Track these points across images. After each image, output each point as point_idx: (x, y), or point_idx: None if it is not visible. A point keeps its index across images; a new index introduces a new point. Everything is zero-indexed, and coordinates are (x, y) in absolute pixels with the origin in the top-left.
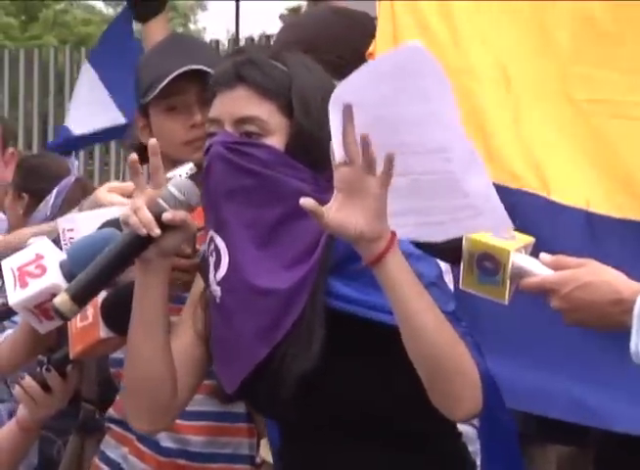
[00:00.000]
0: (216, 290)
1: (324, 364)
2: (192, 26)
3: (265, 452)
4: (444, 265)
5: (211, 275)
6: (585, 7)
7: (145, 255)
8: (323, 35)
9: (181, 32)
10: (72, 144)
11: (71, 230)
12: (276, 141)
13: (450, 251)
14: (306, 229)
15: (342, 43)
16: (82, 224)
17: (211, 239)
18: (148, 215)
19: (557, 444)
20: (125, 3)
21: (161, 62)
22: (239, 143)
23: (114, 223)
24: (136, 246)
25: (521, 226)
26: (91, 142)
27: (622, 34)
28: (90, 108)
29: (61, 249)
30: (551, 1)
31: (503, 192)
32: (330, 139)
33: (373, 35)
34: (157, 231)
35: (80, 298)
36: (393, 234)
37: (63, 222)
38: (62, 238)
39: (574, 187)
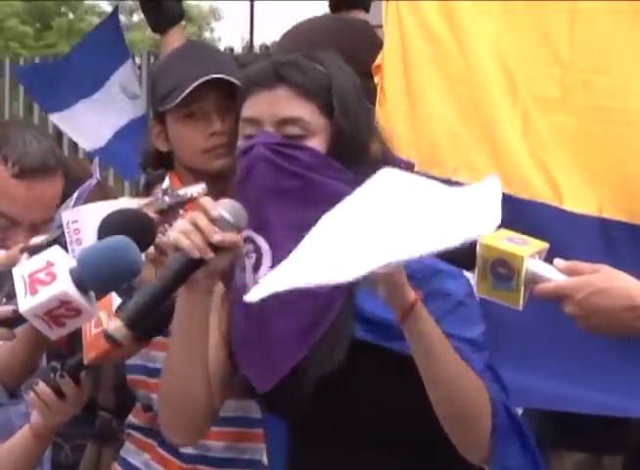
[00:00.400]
0: None
1: (346, 365)
2: (207, 35)
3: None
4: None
5: (249, 275)
6: (583, 9)
7: (194, 276)
8: (321, 42)
9: (197, 40)
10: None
11: (76, 222)
12: (317, 142)
13: (464, 256)
14: None
15: (340, 51)
16: (87, 216)
17: (250, 239)
18: (201, 239)
19: (573, 451)
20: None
21: (180, 69)
22: (282, 145)
23: (118, 215)
24: (188, 269)
25: (534, 236)
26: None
27: (619, 39)
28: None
29: (66, 243)
30: (548, 1)
31: (515, 203)
32: (367, 139)
33: (372, 43)
34: (210, 255)
35: (134, 324)
36: (415, 302)
37: (67, 215)
38: (66, 230)
39: (585, 194)
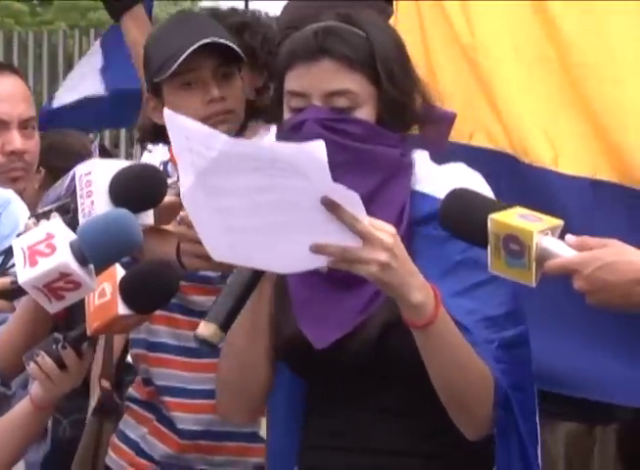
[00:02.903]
0: None
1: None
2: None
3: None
4: None
5: None
6: None
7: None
8: (324, 11)
9: (188, 10)
10: (55, 120)
11: (89, 174)
12: (366, 111)
13: (477, 232)
14: (397, 193)
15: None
16: (100, 169)
17: None
18: None
19: (566, 421)
20: None
21: (173, 39)
22: (333, 120)
23: (130, 170)
24: (256, 277)
25: (534, 201)
26: (76, 122)
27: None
28: (75, 80)
29: (74, 209)
30: None
31: (520, 168)
32: (413, 99)
33: (381, 11)
34: None
35: (227, 325)
36: (433, 317)
37: (80, 168)
38: (77, 184)
39: (581, 156)
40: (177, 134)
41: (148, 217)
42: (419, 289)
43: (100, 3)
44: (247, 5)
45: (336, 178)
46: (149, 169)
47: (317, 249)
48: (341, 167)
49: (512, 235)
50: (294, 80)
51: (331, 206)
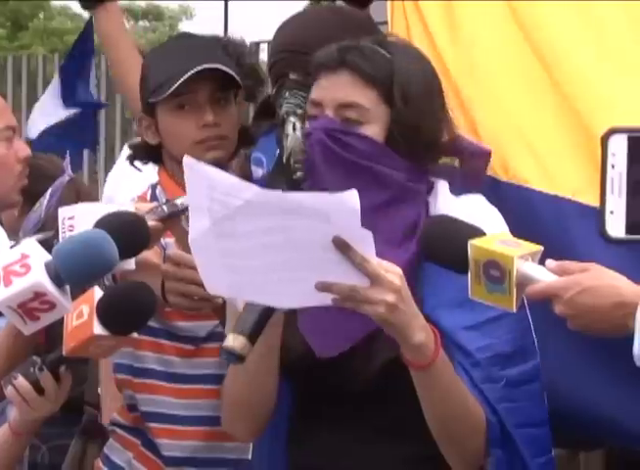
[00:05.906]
0: None
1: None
2: None
3: None
4: None
5: None
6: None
7: None
8: (315, 36)
9: (189, 32)
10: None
11: (72, 218)
12: (375, 130)
13: (456, 259)
14: (403, 217)
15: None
16: (82, 215)
17: None
18: None
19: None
20: None
21: (172, 61)
22: (340, 131)
23: (113, 217)
24: None
25: (512, 218)
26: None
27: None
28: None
29: (59, 238)
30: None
31: (498, 185)
32: (431, 127)
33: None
34: None
35: (255, 337)
36: (433, 359)
37: (63, 211)
38: (60, 226)
39: (562, 175)
40: (196, 182)
41: (129, 264)
42: (421, 330)
43: (77, 27)
44: (226, 7)
45: (334, 189)
46: (131, 218)
47: (323, 287)
48: (338, 180)
49: (492, 261)
50: (315, 90)
51: (342, 246)
